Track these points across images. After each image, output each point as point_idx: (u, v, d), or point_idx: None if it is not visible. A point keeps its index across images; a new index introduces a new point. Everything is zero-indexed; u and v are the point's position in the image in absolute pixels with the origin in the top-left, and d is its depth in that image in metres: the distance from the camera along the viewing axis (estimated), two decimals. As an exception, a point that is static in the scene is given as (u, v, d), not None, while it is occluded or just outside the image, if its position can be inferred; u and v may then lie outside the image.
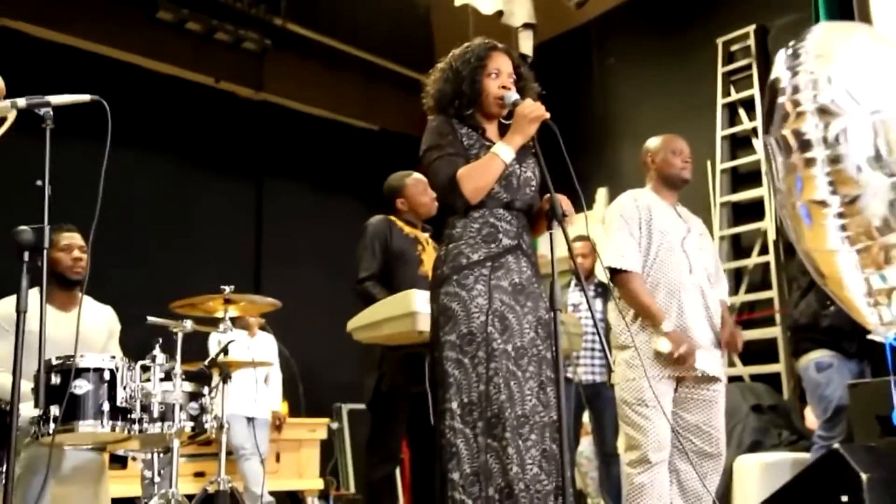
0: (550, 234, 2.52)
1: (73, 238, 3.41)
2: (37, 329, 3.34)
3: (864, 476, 3.19)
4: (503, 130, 2.69)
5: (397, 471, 4.68)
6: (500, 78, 2.68)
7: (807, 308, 4.32)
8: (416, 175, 3.95)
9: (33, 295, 3.52)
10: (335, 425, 7.19)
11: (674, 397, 3.38)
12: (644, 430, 3.28)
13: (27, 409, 2.94)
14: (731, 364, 5.77)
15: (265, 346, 5.81)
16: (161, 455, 3.07)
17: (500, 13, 6.28)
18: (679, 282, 3.42)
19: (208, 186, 7.41)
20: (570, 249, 2.51)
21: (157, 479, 3.02)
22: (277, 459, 6.09)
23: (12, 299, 3.43)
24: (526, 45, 6.26)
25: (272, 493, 5.79)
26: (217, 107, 7.62)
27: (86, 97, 2.36)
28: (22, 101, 2.20)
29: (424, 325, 3.14)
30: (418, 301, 3.16)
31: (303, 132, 8.14)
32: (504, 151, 2.53)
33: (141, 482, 3.59)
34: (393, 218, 3.95)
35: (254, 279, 7.38)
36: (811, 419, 5.24)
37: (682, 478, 3.40)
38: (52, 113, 2.29)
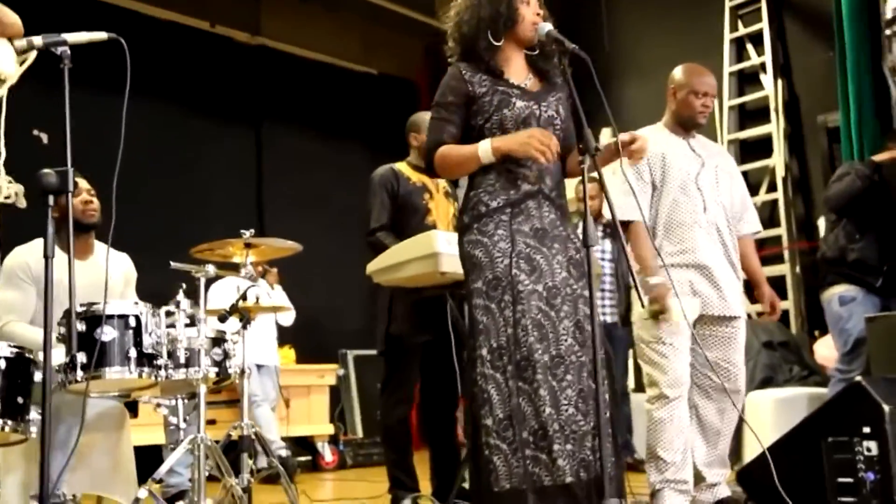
0: (583, 170, 2.47)
1: (81, 182, 3.35)
2: (56, 279, 3.35)
3: (886, 407, 3.19)
4: (529, 62, 2.71)
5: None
6: (531, 6, 2.66)
7: (834, 242, 4.32)
8: None
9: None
10: (341, 372, 7.23)
11: (693, 334, 3.37)
12: (661, 367, 3.29)
13: (52, 357, 2.93)
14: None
15: (278, 294, 5.82)
16: (186, 401, 3.06)
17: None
18: (693, 220, 3.39)
19: (206, 133, 7.32)
20: (602, 185, 2.48)
21: (182, 425, 3.02)
22: (287, 406, 6.13)
23: (25, 248, 3.44)
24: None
25: (283, 439, 5.86)
26: (213, 52, 7.49)
27: (103, 35, 2.30)
28: (39, 40, 2.14)
29: (447, 265, 3.15)
30: (440, 242, 3.16)
31: (301, 77, 8.04)
32: (485, 153, 2.51)
33: (164, 428, 3.61)
34: (399, 167, 3.91)
35: (257, 226, 7.34)
36: (821, 354, 5.30)
37: (701, 413, 3.43)
38: (69, 52, 2.23)
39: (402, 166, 3.93)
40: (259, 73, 7.77)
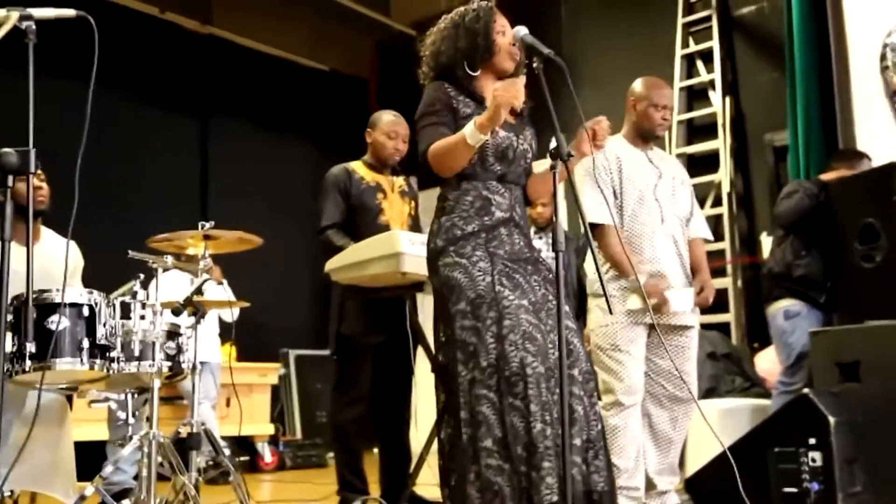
0: (553, 175, 2.47)
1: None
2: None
3: (831, 419, 3.29)
4: None
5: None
6: (507, 34, 2.69)
7: (781, 257, 4.40)
8: (398, 118, 3.87)
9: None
10: (282, 371, 7.13)
11: (647, 342, 3.42)
12: (618, 375, 3.33)
13: (-4, 346, 2.81)
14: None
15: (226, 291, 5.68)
16: (136, 396, 2.96)
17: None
18: (651, 231, 3.44)
19: (152, 121, 7.14)
20: (574, 190, 2.49)
21: (131, 420, 2.92)
22: (228, 404, 6.00)
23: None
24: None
25: (223, 438, 5.72)
26: (162, 39, 7.32)
27: (71, 12, 2.21)
28: (15, 14, 2.04)
29: (409, 266, 3.14)
30: (403, 242, 3.15)
31: (251, 69, 7.91)
32: (471, 134, 2.44)
33: (109, 424, 3.51)
34: (353, 166, 3.89)
35: (200, 218, 7.18)
36: (762, 367, 5.42)
37: (654, 421, 3.47)
38: (34, 27, 2.14)
39: (356, 165, 3.90)
40: (208, 63, 7.61)
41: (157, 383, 2.80)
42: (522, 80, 2.52)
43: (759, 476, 3.44)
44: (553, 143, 2.49)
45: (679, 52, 6.62)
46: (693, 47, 6.63)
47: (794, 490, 3.34)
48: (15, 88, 2.17)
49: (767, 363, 5.33)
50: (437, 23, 2.79)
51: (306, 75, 8.37)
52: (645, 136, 3.56)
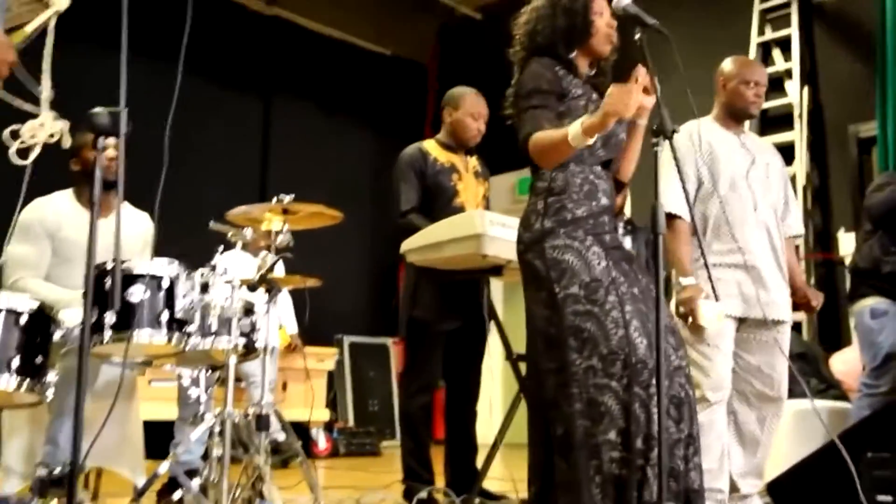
0: (655, 154, 2.34)
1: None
2: (75, 237, 3.16)
3: (930, 427, 3.10)
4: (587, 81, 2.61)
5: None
6: (605, 16, 2.58)
7: (869, 253, 4.20)
8: (480, 97, 3.75)
9: (64, 197, 3.34)
10: (337, 357, 7.07)
11: (735, 337, 3.25)
12: (704, 370, 3.15)
13: (72, 317, 2.74)
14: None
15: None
16: (209, 373, 2.88)
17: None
18: (742, 219, 3.25)
19: (214, 101, 7.12)
20: (677, 163, 2.35)
21: (203, 398, 2.83)
22: (284, 388, 5.95)
23: (43, 201, 3.25)
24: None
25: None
26: (227, 19, 7.28)
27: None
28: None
29: (490, 248, 3.01)
30: (485, 222, 3.03)
31: (313, 52, 7.88)
32: (575, 136, 2.29)
33: (179, 402, 3.43)
34: (427, 146, 3.76)
35: (259, 199, 7.15)
36: (837, 368, 5.20)
37: (740, 420, 3.30)
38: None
39: (430, 145, 3.78)
40: (272, 44, 7.58)
41: (233, 360, 2.70)
42: (638, 87, 2.34)
43: (849, 482, 3.26)
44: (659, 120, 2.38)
45: (755, 39, 6.39)
46: (770, 35, 6.39)
47: (889, 498, 3.16)
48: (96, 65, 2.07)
49: (843, 364, 5.11)
50: (532, 1, 2.66)
51: (368, 59, 8.31)
52: (738, 116, 3.38)
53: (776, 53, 6.36)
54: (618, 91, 2.27)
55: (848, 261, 5.50)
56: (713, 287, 2.52)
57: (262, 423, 2.98)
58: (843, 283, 5.64)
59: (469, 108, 3.73)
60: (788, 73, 6.20)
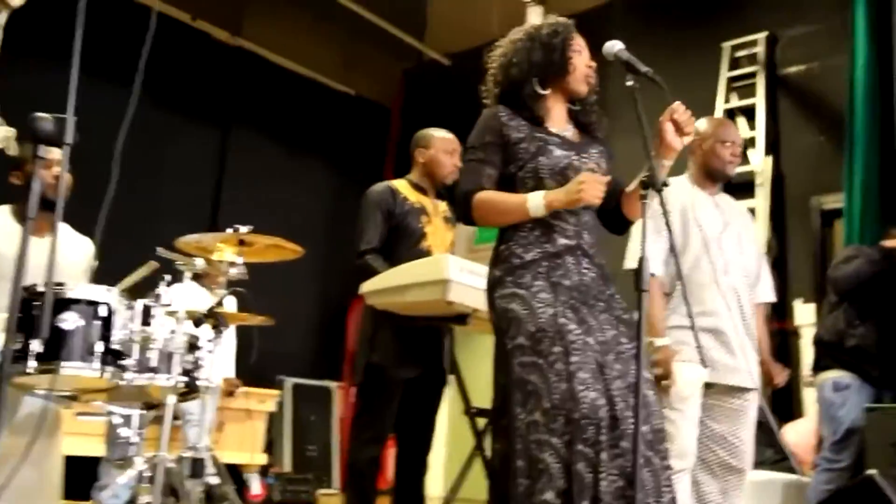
0: (644, 206, 2.22)
1: (53, 152, 2.93)
2: (8, 255, 2.90)
3: (900, 507, 2.98)
4: (571, 117, 2.53)
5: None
6: (583, 55, 2.50)
7: (833, 325, 4.14)
8: (449, 135, 3.61)
9: (3, 213, 3.08)
10: (278, 399, 6.77)
11: (702, 404, 3.11)
12: (669, 436, 2.98)
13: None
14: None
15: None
16: (144, 412, 2.64)
17: (512, -16, 5.95)
18: (713, 282, 3.15)
19: (170, 127, 6.89)
20: (667, 220, 2.23)
21: (135, 439, 2.58)
22: (220, 429, 5.64)
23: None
24: (535, 20, 5.93)
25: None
26: (191, 47, 7.09)
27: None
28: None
29: (455, 294, 2.85)
30: (452, 267, 2.86)
31: (276, 86, 7.70)
32: (536, 207, 2.27)
33: (107, 441, 3.17)
34: (397, 185, 3.60)
35: (209, 230, 6.91)
36: (791, 438, 5.10)
37: (703, 490, 3.15)
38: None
39: (400, 185, 3.62)
40: (233, 75, 7.39)
41: (172, 399, 2.47)
42: (607, 178, 2.31)
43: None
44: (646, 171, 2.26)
45: (721, 106, 6.38)
46: (735, 102, 6.39)
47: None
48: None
49: (796, 436, 5.01)
50: (512, 35, 2.56)
51: (331, 97, 8.15)
52: (714, 177, 3.31)
53: (741, 121, 6.35)
54: (592, 178, 2.23)
55: (803, 331, 5.47)
56: (700, 350, 2.38)
57: (197, 469, 2.74)
58: (797, 354, 5.58)
59: (441, 144, 3.60)
60: (752, 142, 6.18)
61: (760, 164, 6.05)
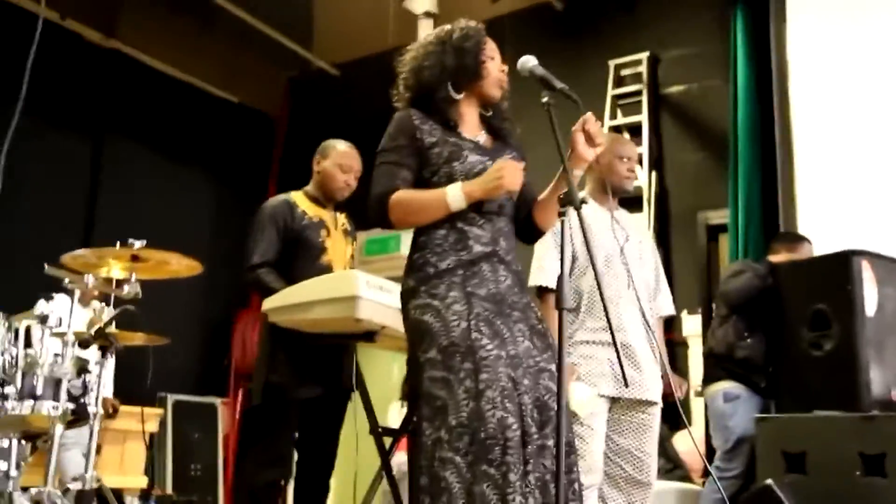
0: (562, 223, 2.19)
1: None
2: None
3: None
4: (484, 122, 2.50)
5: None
6: (496, 60, 2.47)
7: (723, 337, 4.25)
8: (353, 150, 3.52)
9: None
10: (160, 417, 6.44)
11: (607, 418, 3.12)
12: (579, 452, 2.98)
13: None
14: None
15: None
16: (22, 443, 2.40)
17: (402, -4, 5.90)
18: (617, 295, 3.17)
19: (37, 135, 6.41)
20: (585, 237, 2.20)
21: (14, 473, 2.35)
22: (98, 452, 5.29)
23: None
24: (425, 34, 5.89)
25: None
26: (60, 48, 6.65)
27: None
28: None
29: (364, 311, 2.76)
30: (361, 283, 2.75)
31: (154, 91, 7.30)
32: (455, 198, 2.24)
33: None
34: (295, 198, 3.48)
35: (84, 243, 6.49)
36: (680, 448, 5.22)
37: (609, 505, 3.15)
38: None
39: (297, 197, 3.50)
40: (107, 79, 6.97)
41: (59, 430, 2.25)
42: (521, 164, 2.31)
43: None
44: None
45: (608, 123, 6.51)
46: (621, 120, 6.54)
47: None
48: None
49: (685, 445, 5.14)
50: (423, 39, 2.52)
51: (213, 105, 7.82)
52: (612, 192, 3.32)
53: (626, 137, 6.51)
54: (509, 165, 2.22)
55: (690, 342, 5.63)
56: (622, 367, 2.35)
57: (85, 500, 2.52)
58: (686, 364, 5.73)
59: (338, 158, 3.49)
60: (638, 159, 6.34)
61: (646, 180, 6.21)
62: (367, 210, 2.32)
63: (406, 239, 7.43)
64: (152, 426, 6.08)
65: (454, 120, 2.40)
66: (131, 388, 6.28)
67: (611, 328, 2.45)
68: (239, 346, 7.17)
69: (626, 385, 2.96)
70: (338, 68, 8.00)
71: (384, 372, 6.35)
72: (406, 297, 2.26)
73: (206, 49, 7.50)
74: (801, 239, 4.45)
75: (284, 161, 8.19)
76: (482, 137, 2.46)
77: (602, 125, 6.36)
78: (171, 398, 6.70)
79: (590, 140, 2.32)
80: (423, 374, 2.11)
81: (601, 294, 2.32)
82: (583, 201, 2.19)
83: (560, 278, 2.13)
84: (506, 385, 2.07)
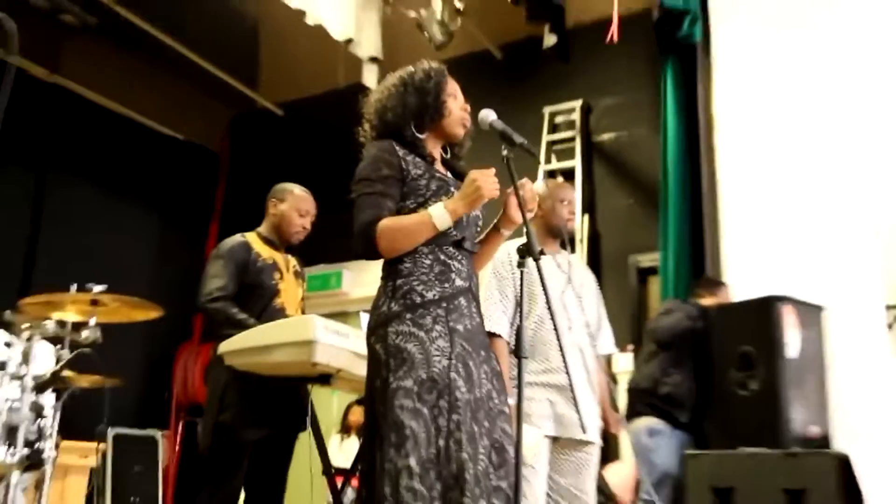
0: (521, 273, 2.29)
1: None
2: None
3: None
4: (444, 162, 2.53)
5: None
6: (458, 99, 2.51)
7: (649, 373, 4.36)
8: (309, 195, 3.54)
9: None
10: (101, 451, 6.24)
11: (548, 458, 3.17)
12: (521, 492, 3.03)
13: None
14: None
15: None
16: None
17: (349, 41, 5.94)
18: (557, 340, 3.22)
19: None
20: (544, 287, 2.26)
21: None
22: (37, 488, 5.10)
23: None
24: (370, 77, 5.96)
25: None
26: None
27: None
28: None
29: (321, 355, 2.77)
30: (318, 328, 2.77)
31: (97, 127, 7.19)
32: (441, 219, 2.26)
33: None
34: (249, 239, 3.47)
35: (24, 282, 6.32)
36: (612, 480, 5.29)
37: (550, 544, 3.19)
38: None
39: (252, 239, 3.50)
40: (49, 114, 6.83)
41: (16, 476, 2.20)
42: (492, 170, 2.33)
43: None
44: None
45: (542, 167, 6.64)
46: (556, 164, 6.69)
47: None
48: None
49: (617, 478, 5.21)
50: (387, 80, 2.54)
51: (157, 141, 7.73)
52: (556, 233, 3.40)
53: (565, 182, 6.64)
54: (483, 174, 2.25)
55: (620, 378, 5.73)
56: (580, 415, 2.41)
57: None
58: (616, 400, 5.84)
59: (296, 202, 3.51)
60: (572, 202, 6.49)
61: (579, 223, 6.34)
62: (351, 240, 2.28)
63: (350, 276, 7.36)
64: (91, 461, 5.91)
65: (430, 156, 2.44)
66: (72, 422, 6.13)
67: (567, 370, 2.59)
68: (180, 378, 7.05)
69: (584, 431, 3.01)
70: (282, 108, 8.02)
71: (324, 407, 6.31)
72: (386, 320, 2.22)
73: (151, 85, 7.43)
74: (721, 284, 4.63)
75: (227, 198, 8.13)
76: (449, 176, 2.49)
77: (537, 169, 6.52)
78: (112, 431, 6.50)
79: (521, 204, 2.35)
80: (393, 400, 2.10)
81: (558, 339, 2.38)
82: (541, 252, 2.25)
83: (519, 329, 2.21)
84: (470, 429, 2.11)
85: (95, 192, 7.11)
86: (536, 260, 2.21)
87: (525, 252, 2.24)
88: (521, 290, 2.28)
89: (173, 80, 7.43)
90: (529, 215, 2.39)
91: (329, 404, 6.40)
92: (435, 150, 2.48)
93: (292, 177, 3.67)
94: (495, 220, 2.47)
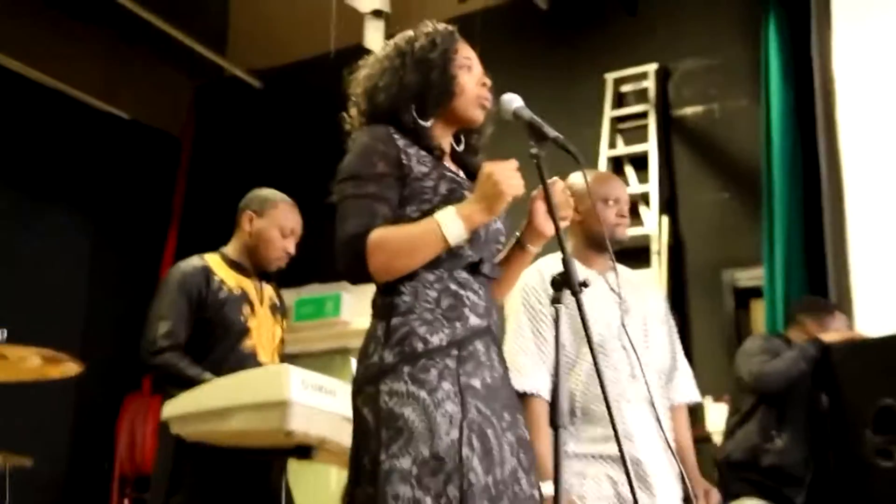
0: (556, 312, 2.20)
1: None
2: None
3: None
4: (455, 157, 2.47)
5: None
6: (474, 71, 2.43)
7: (745, 439, 4.23)
8: (295, 209, 3.52)
9: None
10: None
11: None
12: None
13: None
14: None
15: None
16: None
17: (345, -8, 5.94)
18: (618, 393, 3.12)
19: None
20: (585, 327, 2.18)
21: None
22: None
23: None
24: (373, 37, 5.93)
25: None
26: None
27: None
28: None
29: (297, 421, 2.73)
30: (293, 383, 2.71)
31: (15, 105, 7.24)
32: (452, 228, 2.16)
33: None
34: (210, 263, 3.45)
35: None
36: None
37: None
38: None
39: (213, 262, 3.47)
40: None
41: None
42: (514, 162, 2.22)
43: None
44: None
45: (604, 153, 6.57)
46: (622, 149, 6.60)
47: None
48: None
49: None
50: (380, 50, 2.47)
51: (96, 122, 7.79)
52: (601, 244, 3.22)
53: (629, 171, 6.56)
54: (500, 167, 2.16)
55: (716, 438, 5.63)
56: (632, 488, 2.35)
57: None
58: (711, 466, 5.74)
59: (278, 218, 3.48)
60: (645, 198, 6.37)
61: (655, 226, 6.24)
62: (335, 257, 2.21)
63: (351, 300, 7.32)
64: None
65: (439, 148, 2.37)
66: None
67: (618, 440, 2.47)
68: (125, 442, 7.05)
69: None
70: (259, 77, 8.08)
71: (320, 479, 6.26)
72: (377, 374, 2.15)
73: (88, 50, 7.49)
74: (831, 308, 4.51)
75: (189, 198, 8.15)
76: (461, 174, 2.42)
77: (597, 156, 6.45)
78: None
79: (552, 212, 2.25)
80: (385, 486, 2.03)
81: (604, 393, 2.27)
82: (583, 284, 2.17)
83: (555, 387, 2.14)
84: None
85: (7, 191, 7.13)
86: (575, 294, 2.12)
87: (561, 284, 2.16)
88: (557, 334, 2.19)
89: (115, 44, 7.50)
90: (563, 224, 2.31)
91: (325, 479, 6.35)
92: (444, 140, 2.42)
93: (273, 167, 3.63)
94: (517, 233, 2.40)
